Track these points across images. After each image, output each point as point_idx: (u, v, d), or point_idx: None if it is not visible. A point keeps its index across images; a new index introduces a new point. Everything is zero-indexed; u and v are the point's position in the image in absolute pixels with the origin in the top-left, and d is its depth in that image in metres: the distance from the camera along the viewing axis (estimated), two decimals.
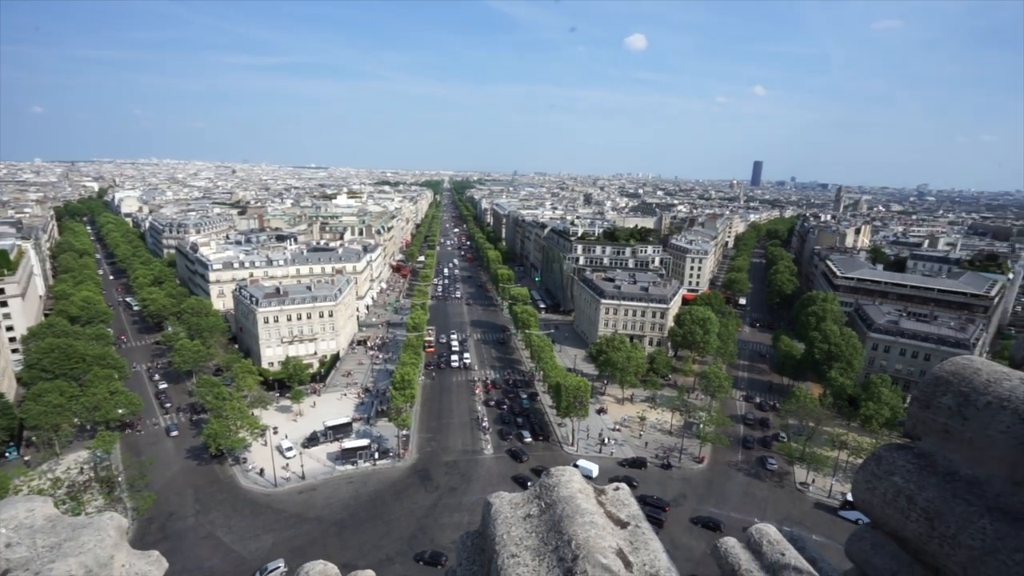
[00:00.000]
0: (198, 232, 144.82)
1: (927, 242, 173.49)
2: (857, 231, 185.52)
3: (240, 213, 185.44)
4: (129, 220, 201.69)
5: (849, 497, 61.00)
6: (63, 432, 65.75)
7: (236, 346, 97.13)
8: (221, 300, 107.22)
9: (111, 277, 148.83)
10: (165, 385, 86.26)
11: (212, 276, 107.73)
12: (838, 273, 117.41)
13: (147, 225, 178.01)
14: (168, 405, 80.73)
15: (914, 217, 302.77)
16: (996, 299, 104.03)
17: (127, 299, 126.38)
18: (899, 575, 3.06)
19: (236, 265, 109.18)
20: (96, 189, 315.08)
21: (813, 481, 66.62)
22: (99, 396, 67.14)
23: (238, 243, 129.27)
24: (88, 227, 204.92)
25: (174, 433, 73.24)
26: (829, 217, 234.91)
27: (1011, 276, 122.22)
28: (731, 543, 3.15)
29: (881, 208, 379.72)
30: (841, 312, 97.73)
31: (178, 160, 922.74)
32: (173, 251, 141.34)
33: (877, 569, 3.19)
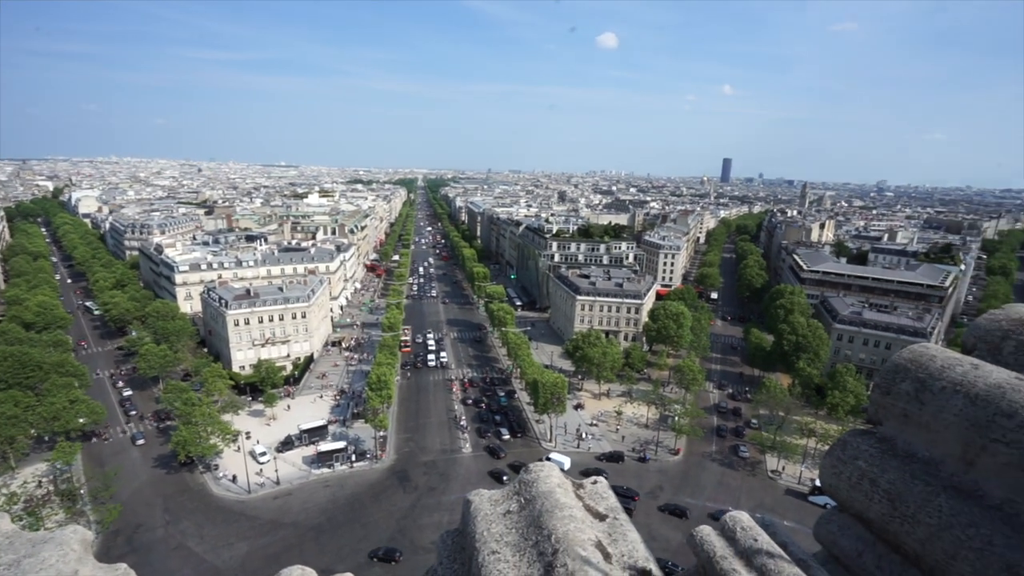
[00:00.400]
0: (163, 233, 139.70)
1: (886, 236, 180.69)
2: (822, 226, 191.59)
3: (207, 213, 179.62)
4: (88, 221, 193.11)
5: (818, 483, 63.43)
6: (19, 444, 62.54)
7: (205, 350, 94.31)
8: (188, 303, 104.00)
9: (69, 281, 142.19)
10: (130, 392, 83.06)
11: (178, 278, 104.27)
12: (804, 267, 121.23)
13: (107, 226, 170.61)
14: (133, 413, 77.76)
15: (874, 212, 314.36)
16: (950, 289, 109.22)
17: (87, 303, 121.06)
18: (864, 555, 3.20)
19: (204, 266, 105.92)
20: (51, 188, 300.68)
21: (784, 469, 68.79)
22: (58, 405, 64.18)
23: (205, 244, 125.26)
24: (43, 229, 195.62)
25: (140, 441, 70.63)
26: (795, 212, 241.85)
27: (963, 267, 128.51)
28: (707, 531, 3.24)
29: (844, 203, 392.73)
30: (808, 304, 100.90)
31: (140, 158, 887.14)
32: (136, 253, 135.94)
33: (844, 550, 3.33)
